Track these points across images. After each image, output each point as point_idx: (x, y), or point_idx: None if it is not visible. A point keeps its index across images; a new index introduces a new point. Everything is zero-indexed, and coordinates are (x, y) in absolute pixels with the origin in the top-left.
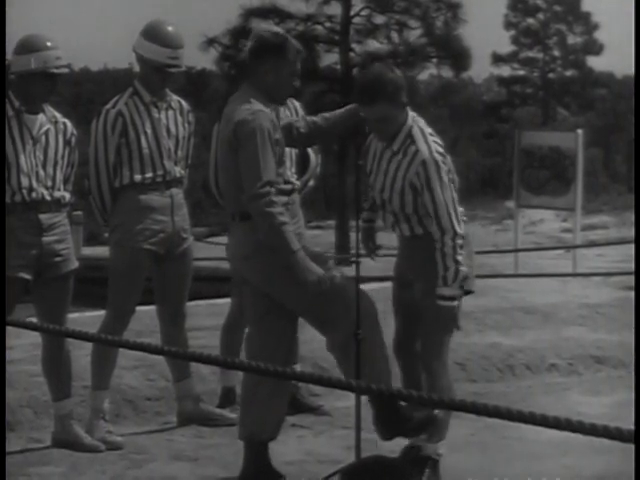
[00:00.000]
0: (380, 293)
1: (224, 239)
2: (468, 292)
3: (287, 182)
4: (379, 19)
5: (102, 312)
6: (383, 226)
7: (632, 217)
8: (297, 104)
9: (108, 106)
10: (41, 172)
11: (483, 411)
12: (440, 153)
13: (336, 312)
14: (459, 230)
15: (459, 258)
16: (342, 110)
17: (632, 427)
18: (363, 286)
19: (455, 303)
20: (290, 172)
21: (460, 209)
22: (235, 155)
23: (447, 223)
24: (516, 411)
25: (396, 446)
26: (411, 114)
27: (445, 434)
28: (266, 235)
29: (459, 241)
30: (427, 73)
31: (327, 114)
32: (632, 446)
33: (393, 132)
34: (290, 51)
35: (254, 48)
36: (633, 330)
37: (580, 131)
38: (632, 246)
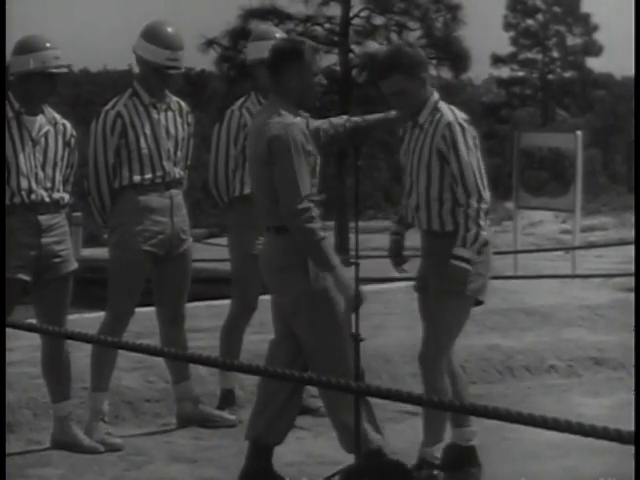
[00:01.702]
0: (379, 295)
1: (224, 240)
2: (479, 303)
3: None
4: (378, 20)
5: (101, 313)
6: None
7: (632, 218)
8: None
9: (107, 107)
10: (40, 173)
11: (483, 413)
12: (465, 120)
13: (335, 367)
14: (484, 194)
15: (481, 222)
16: (378, 115)
17: (632, 429)
18: (362, 287)
19: (468, 266)
20: None
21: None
22: (269, 170)
23: (472, 186)
24: (515, 412)
25: (396, 447)
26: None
27: (442, 437)
28: (306, 251)
29: (484, 206)
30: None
31: (358, 118)
32: (632, 448)
33: (415, 107)
34: (307, 52)
35: (273, 60)
36: (633, 331)
37: (579, 132)
38: (632, 247)
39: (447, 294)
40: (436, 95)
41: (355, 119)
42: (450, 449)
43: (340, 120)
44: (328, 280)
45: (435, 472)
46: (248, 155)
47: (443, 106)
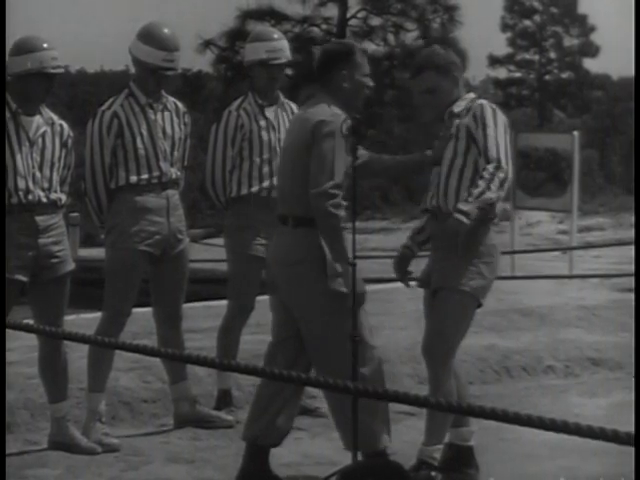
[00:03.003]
0: (377, 295)
1: (220, 241)
2: (478, 305)
3: None
4: (375, 21)
5: (98, 314)
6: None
7: (629, 218)
8: (293, 105)
9: (104, 107)
10: (38, 174)
11: (479, 413)
12: (494, 108)
13: (341, 368)
14: (505, 165)
15: (492, 186)
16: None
17: (630, 429)
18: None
19: (466, 220)
20: None
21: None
22: (308, 154)
23: (494, 154)
24: (512, 413)
25: (393, 448)
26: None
27: (443, 439)
28: (325, 235)
29: (501, 174)
30: None
31: (388, 156)
32: (629, 448)
33: (444, 105)
34: (357, 54)
35: (324, 61)
36: (633, 331)
37: (576, 133)
38: (629, 247)
39: (446, 289)
40: (472, 94)
41: (381, 155)
42: (448, 448)
43: (375, 154)
44: (346, 279)
45: (433, 473)
46: (285, 144)
47: (482, 100)
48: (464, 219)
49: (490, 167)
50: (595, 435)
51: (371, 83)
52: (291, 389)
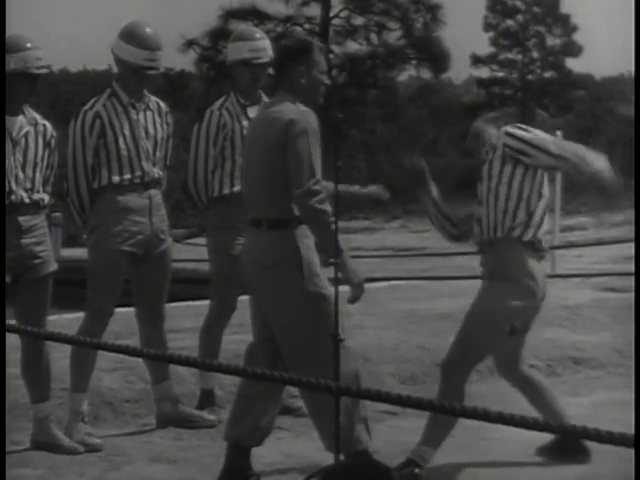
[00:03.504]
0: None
1: (203, 240)
2: (514, 330)
3: None
4: (358, 20)
5: (81, 314)
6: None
7: (610, 218)
8: None
9: (86, 107)
10: (20, 174)
11: (461, 412)
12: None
13: (320, 370)
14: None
15: (556, 153)
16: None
17: (610, 429)
18: (342, 288)
19: (525, 135)
20: None
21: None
22: (282, 155)
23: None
24: (495, 412)
25: (375, 447)
26: None
27: (438, 444)
28: (316, 232)
29: (560, 164)
30: (406, 74)
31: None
32: (611, 447)
33: (484, 144)
34: (315, 51)
35: (281, 58)
36: (633, 332)
37: (559, 132)
38: (611, 247)
39: (479, 304)
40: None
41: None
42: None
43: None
44: (322, 280)
45: (417, 471)
46: (248, 145)
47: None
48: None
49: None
50: (577, 434)
51: (328, 80)
52: (273, 389)
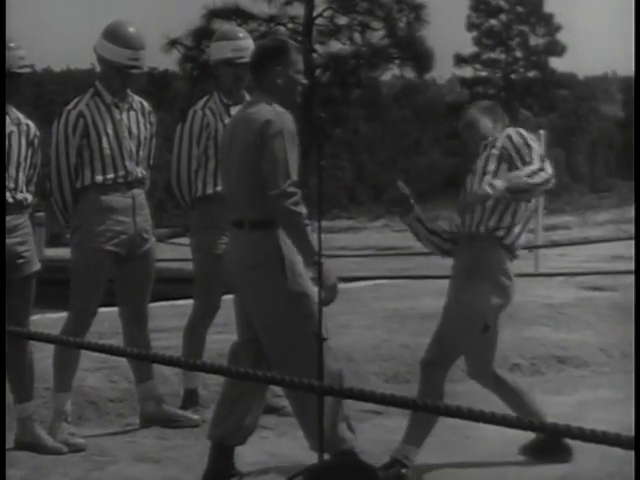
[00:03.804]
0: (343, 294)
1: (186, 240)
2: (486, 328)
3: None
4: (342, 20)
5: (64, 314)
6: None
7: (594, 217)
8: None
9: (69, 107)
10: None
11: (445, 411)
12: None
13: (304, 370)
14: (549, 172)
15: (532, 178)
16: None
17: (593, 427)
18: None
19: (491, 193)
20: None
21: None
22: (258, 156)
23: (537, 159)
24: (478, 411)
25: (359, 447)
26: None
27: (422, 442)
28: (291, 234)
29: (544, 175)
30: (390, 74)
31: None
32: (595, 447)
33: (478, 139)
34: (292, 51)
35: (258, 59)
36: (633, 332)
37: (542, 132)
38: (594, 246)
39: (456, 304)
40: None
41: None
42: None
43: None
44: (305, 279)
45: (403, 471)
46: (227, 147)
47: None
48: (490, 191)
49: (535, 167)
50: (561, 432)
51: (305, 80)
52: (257, 389)
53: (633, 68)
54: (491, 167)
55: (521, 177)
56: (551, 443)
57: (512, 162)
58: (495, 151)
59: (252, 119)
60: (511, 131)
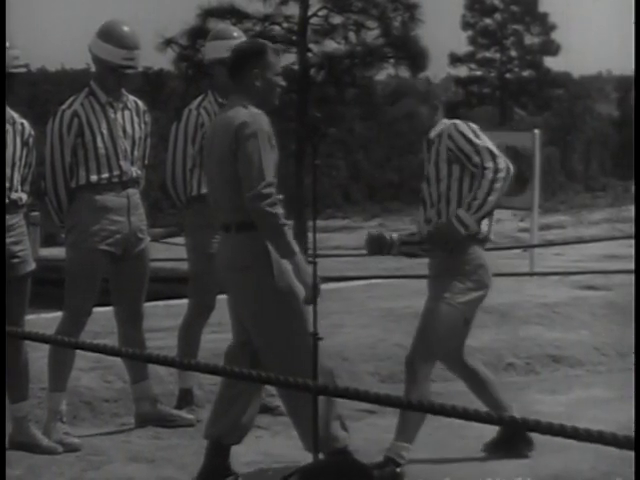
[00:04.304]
0: (338, 293)
1: (181, 240)
2: (467, 323)
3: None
4: (337, 19)
5: (59, 313)
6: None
7: (589, 216)
8: None
9: (64, 106)
10: None
11: (440, 410)
12: (464, 122)
13: (297, 369)
14: (502, 165)
15: (491, 198)
16: None
17: (587, 426)
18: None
19: (463, 231)
20: None
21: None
22: (235, 159)
23: (489, 158)
24: (473, 410)
25: (354, 446)
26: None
27: (413, 438)
28: (267, 235)
29: (501, 174)
30: (384, 73)
31: None
32: (589, 446)
33: (422, 131)
34: (270, 54)
35: (235, 61)
36: (633, 331)
37: (537, 131)
38: (589, 245)
39: (436, 299)
40: (445, 119)
41: None
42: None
43: None
44: (292, 278)
45: (398, 470)
46: (208, 152)
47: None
48: (462, 230)
49: (488, 173)
50: (553, 432)
51: (283, 82)
52: (253, 388)
53: (633, 68)
54: (443, 173)
55: (484, 199)
56: (512, 436)
57: (462, 163)
58: (442, 155)
59: (228, 122)
60: (451, 129)
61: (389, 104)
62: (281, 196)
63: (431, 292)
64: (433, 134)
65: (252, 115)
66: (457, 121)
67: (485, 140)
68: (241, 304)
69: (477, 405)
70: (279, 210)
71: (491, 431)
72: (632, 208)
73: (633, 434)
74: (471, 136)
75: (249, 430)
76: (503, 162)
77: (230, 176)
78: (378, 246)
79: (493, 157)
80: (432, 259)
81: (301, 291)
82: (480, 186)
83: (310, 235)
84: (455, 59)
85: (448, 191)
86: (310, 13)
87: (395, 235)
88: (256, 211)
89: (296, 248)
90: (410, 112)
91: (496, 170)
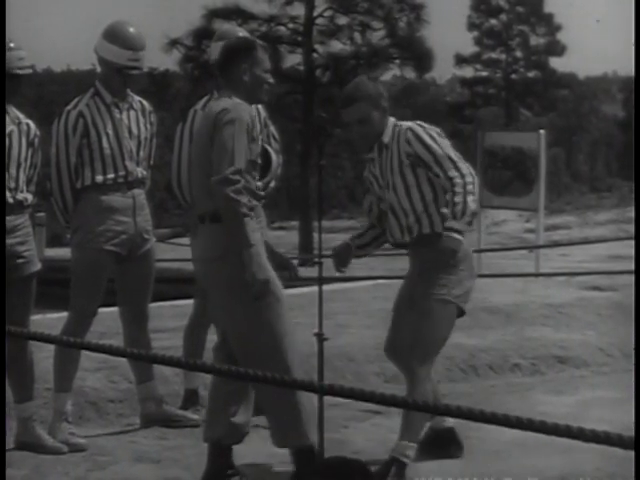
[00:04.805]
0: (343, 294)
1: (187, 240)
2: (462, 313)
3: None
4: (342, 20)
5: (64, 314)
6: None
7: (594, 217)
8: (259, 105)
9: (69, 107)
10: (4, 174)
11: (446, 411)
12: (421, 124)
13: (264, 361)
14: (465, 171)
15: (469, 198)
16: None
17: (593, 427)
18: (326, 287)
19: (460, 237)
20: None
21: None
22: (212, 146)
23: (450, 166)
24: (478, 411)
25: (359, 446)
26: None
27: (417, 437)
28: (227, 221)
29: (469, 179)
30: (390, 74)
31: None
32: (594, 446)
33: (376, 135)
34: (258, 49)
35: (224, 57)
36: (633, 331)
37: (542, 132)
38: (594, 246)
39: (431, 298)
40: (392, 119)
41: None
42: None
43: None
44: (267, 271)
45: (403, 469)
46: (192, 146)
47: (404, 123)
48: (459, 237)
49: (456, 180)
50: (560, 433)
51: (271, 79)
52: (245, 387)
53: (633, 68)
54: (410, 179)
55: (464, 203)
56: (444, 438)
57: (427, 165)
58: (404, 160)
59: (210, 112)
60: (408, 134)
61: (341, 107)
62: (263, 192)
63: (421, 289)
64: (387, 139)
65: (234, 104)
66: (413, 125)
67: (444, 145)
68: (214, 296)
69: (483, 406)
70: (243, 198)
71: (495, 432)
72: None
73: (634, 434)
74: (429, 141)
75: (247, 428)
76: (465, 168)
77: (206, 163)
78: (346, 256)
79: (454, 164)
80: (415, 255)
81: (275, 286)
82: (455, 194)
83: (316, 235)
84: (461, 60)
85: (422, 197)
86: (316, 14)
87: (352, 240)
88: (220, 195)
89: (253, 240)
90: (362, 118)
91: (462, 176)
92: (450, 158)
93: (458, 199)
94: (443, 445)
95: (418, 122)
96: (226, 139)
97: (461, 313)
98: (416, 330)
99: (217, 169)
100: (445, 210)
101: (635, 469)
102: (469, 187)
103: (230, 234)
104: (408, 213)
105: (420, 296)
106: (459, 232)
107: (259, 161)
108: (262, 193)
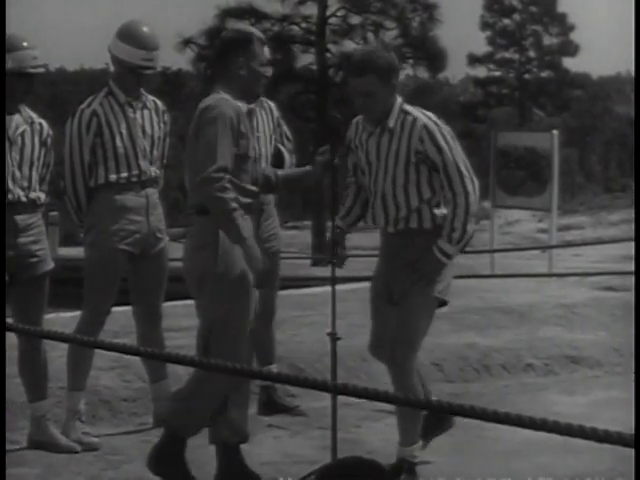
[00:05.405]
0: (357, 293)
1: None
2: (443, 303)
3: (253, 183)
4: (355, 20)
5: (78, 313)
6: (367, 225)
7: (607, 217)
8: (272, 104)
9: (83, 106)
10: (17, 173)
11: (459, 411)
12: (436, 118)
13: (233, 352)
14: (470, 188)
15: (468, 226)
16: (304, 169)
17: (605, 427)
18: (339, 287)
19: (447, 261)
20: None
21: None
22: (197, 143)
23: (459, 185)
24: (492, 411)
25: (373, 446)
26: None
27: (417, 437)
28: (216, 219)
29: (472, 198)
30: (403, 74)
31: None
32: (608, 447)
33: (380, 112)
34: (255, 43)
35: (221, 49)
36: (633, 331)
37: (556, 132)
38: (608, 246)
39: (415, 294)
40: (399, 99)
41: (281, 173)
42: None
43: (270, 171)
44: (238, 262)
45: (413, 468)
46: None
47: (412, 108)
48: (447, 262)
49: (460, 201)
50: (575, 433)
51: (269, 73)
52: (240, 384)
53: (633, 68)
54: (413, 177)
55: (463, 229)
56: (433, 417)
57: (434, 168)
58: (411, 157)
59: (199, 108)
60: (423, 133)
61: (355, 75)
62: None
63: (404, 284)
64: (392, 122)
65: (218, 99)
66: (427, 122)
67: (456, 152)
68: (189, 284)
69: (496, 406)
70: (229, 195)
71: (508, 432)
72: None
73: (634, 433)
74: (442, 144)
75: (247, 424)
76: (470, 184)
77: (193, 160)
78: (343, 240)
79: (461, 179)
80: (397, 245)
81: (246, 277)
82: (455, 216)
83: (328, 235)
84: (474, 59)
85: (419, 195)
86: (329, 13)
87: (340, 224)
88: (205, 195)
89: (246, 233)
90: (370, 91)
91: (466, 195)
92: (459, 170)
93: (457, 224)
94: (435, 424)
95: (429, 115)
96: (209, 137)
97: (443, 303)
98: (400, 325)
99: (201, 167)
100: (437, 211)
101: (635, 468)
102: (471, 208)
103: (220, 229)
104: (400, 207)
105: (403, 292)
106: (448, 256)
107: (251, 155)
108: (255, 189)
